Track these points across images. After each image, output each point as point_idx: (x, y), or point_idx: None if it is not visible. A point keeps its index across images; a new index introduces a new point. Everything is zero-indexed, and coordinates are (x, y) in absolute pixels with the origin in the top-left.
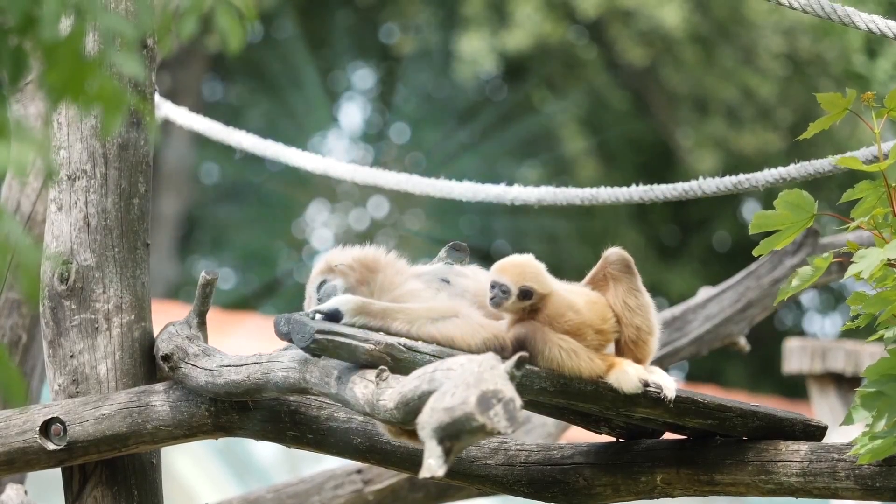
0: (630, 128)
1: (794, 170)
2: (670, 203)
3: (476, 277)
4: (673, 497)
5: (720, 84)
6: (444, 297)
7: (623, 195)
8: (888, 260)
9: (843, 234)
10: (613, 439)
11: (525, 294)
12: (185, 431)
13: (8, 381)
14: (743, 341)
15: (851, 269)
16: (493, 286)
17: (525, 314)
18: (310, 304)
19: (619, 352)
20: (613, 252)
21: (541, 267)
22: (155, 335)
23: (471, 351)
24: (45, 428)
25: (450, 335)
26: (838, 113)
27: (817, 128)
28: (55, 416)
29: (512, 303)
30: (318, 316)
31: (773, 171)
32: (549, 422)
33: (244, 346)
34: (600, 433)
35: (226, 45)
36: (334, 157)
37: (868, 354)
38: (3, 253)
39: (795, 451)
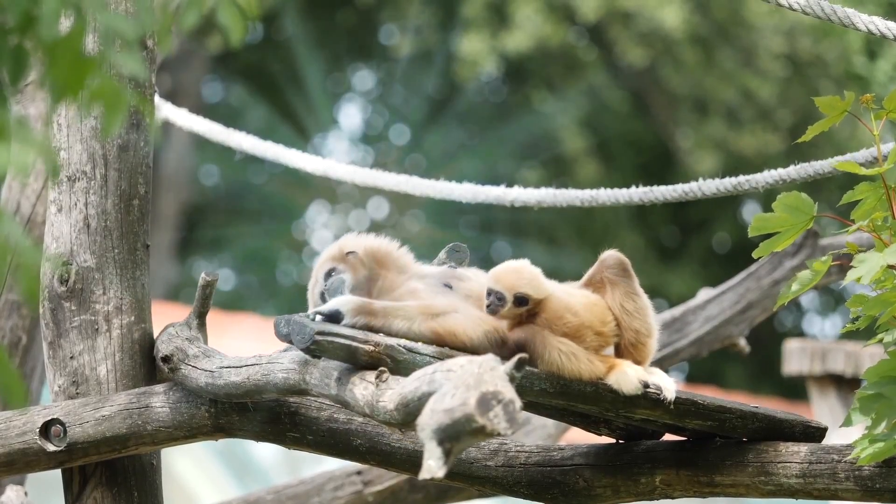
0: (630, 129)
1: (794, 171)
2: (670, 204)
3: (478, 280)
4: (673, 498)
5: (720, 85)
6: (443, 297)
7: (623, 196)
8: (887, 265)
9: (842, 235)
10: (613, 440)
11: (520, 301)
12: (185, 433)
13: (8, 383)
14: (743, 342)
15: (851, 274)
16: (488, 294)
17: (523, 319)
18: (315, 286)
19: (619, 354)
20: (610, 255)
21: (536, 272)
22: (155, 336)
23: (472, 343)
24: (45, 429)
25: (451, 328)
26: (836, 116)
27: (816, 130)
28: (55, 417)
29: (508, 310)
30: (317, 317)
31: (772, 172)
32: (549, 423)
33: (243, 346)
34: (600, 434)
35: (227, 39)
36: (334, 159)
37: (868, 356)
38: (2, 254)
39: (795, 453)
